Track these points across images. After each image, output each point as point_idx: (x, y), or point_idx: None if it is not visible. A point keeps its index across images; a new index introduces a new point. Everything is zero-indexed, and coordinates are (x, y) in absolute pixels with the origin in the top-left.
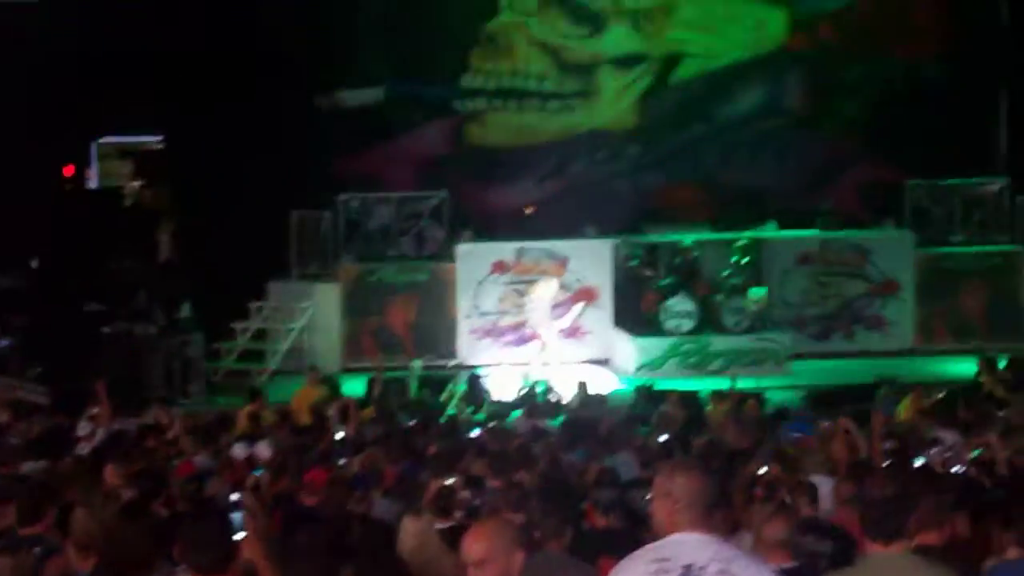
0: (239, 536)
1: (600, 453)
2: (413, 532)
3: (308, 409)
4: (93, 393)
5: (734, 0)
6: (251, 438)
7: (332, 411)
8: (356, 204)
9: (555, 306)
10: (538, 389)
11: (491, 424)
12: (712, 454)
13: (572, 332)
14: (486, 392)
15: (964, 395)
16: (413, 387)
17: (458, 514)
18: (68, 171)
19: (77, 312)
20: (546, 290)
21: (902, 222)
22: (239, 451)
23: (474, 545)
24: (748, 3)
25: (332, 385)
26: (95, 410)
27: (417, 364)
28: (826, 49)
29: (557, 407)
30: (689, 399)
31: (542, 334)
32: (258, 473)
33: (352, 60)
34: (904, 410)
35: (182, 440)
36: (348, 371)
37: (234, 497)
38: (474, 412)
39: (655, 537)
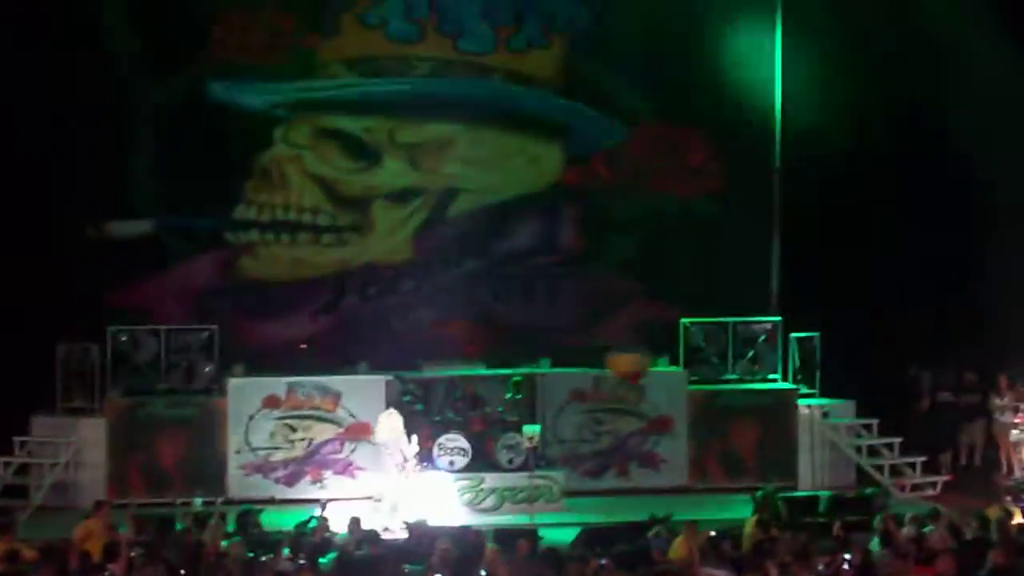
0: None
1: None
2: None
3: (80, 547)
4: None
5: (510, 136)
6: None
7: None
8: (124, 337)
9: (329, 441)
10: (309, 525)
11: (261, 560)
12: None
13: (344, 468)
14: (256, 528)
15: (736, 533)
16: (180, 524)
17: None
18: None
19: None
20: (394, 420)
21: (676, 359)
22: None
23: None
24: (523, 139)
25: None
26: None
27: (198, 501)
28: (601, 186)
29: (327, 544)
30: (463, 536)
31: (402, 462)
32: None
33: (124, 190)
34: (677, 548)
35: None
36: (114, 507)
37: None
38: (244, 549)
39: None
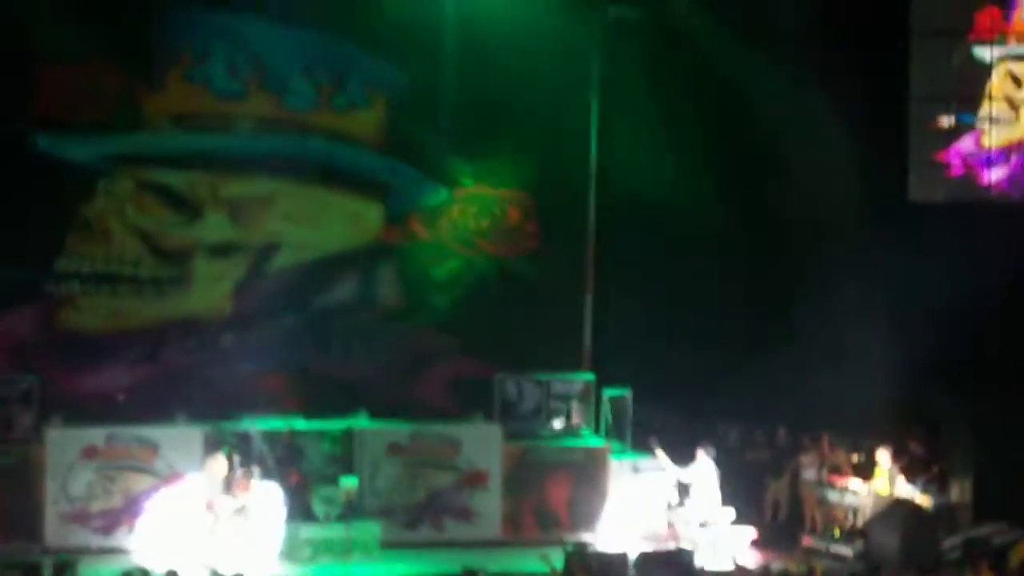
0: None
1: None
2: None
3: None
4: None
5: (331, 193)
6: None
7: None
8: None
9: (146, 491)
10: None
11: None
12: None
13: (161, 519)
14: None
15: None
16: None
17: None
18: None
19: None
20: (218, 467)
21: (491, 415)
22: None
23: None
24: (344, 196)
25: None
26: None
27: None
28: (418, 244)
29: None
30: None
31: (217, 511)
32: None
33: None
34: None
35: None
36: None
37: None
38: None
39: None
